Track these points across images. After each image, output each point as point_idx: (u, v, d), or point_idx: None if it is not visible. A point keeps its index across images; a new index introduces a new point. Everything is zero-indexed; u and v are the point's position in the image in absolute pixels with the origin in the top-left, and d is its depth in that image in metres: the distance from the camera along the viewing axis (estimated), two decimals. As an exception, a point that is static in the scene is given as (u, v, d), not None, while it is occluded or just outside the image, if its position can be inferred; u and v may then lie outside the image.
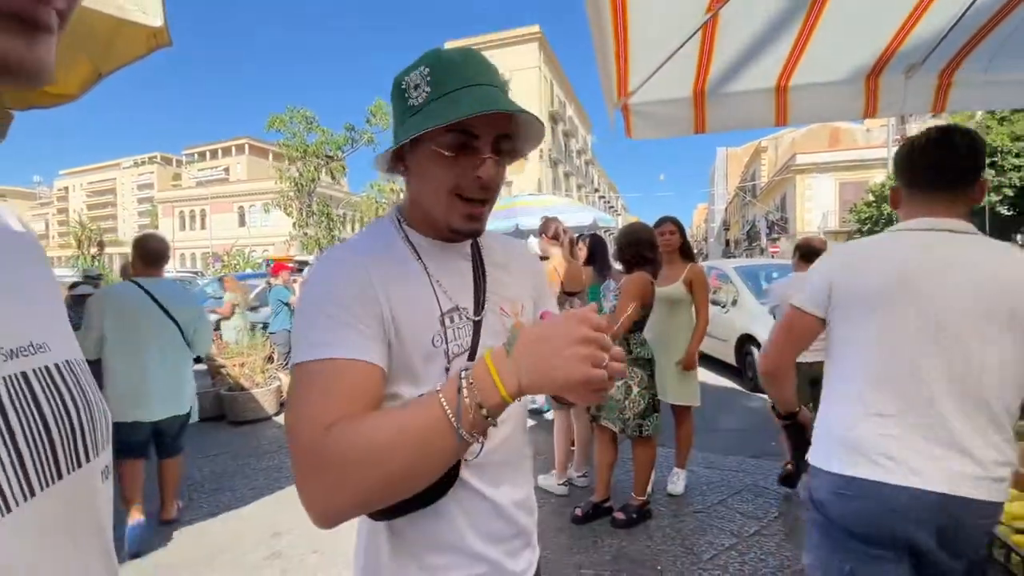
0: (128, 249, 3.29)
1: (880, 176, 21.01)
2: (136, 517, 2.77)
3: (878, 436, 1.14)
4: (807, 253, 3.24)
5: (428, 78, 0.70)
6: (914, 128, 27.54)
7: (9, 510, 0.30)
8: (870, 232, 20.27)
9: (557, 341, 0.55)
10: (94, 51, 1.71)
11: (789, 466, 3.18)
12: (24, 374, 0.33)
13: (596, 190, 49.54)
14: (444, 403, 0.57)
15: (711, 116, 2.36)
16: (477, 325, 0.78)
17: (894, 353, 1.15)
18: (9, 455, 0.31)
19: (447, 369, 0.73)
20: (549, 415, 4.50)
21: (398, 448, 0.57)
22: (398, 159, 0.77)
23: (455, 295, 0.77)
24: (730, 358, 6.82)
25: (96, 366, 2.73)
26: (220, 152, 64.65)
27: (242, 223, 43.40)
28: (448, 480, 0.70)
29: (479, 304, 0.79)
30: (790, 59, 2.11)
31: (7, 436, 0.31)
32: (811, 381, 2.85)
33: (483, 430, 0.58)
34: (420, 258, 0.77)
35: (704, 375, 6.80)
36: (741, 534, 2.76)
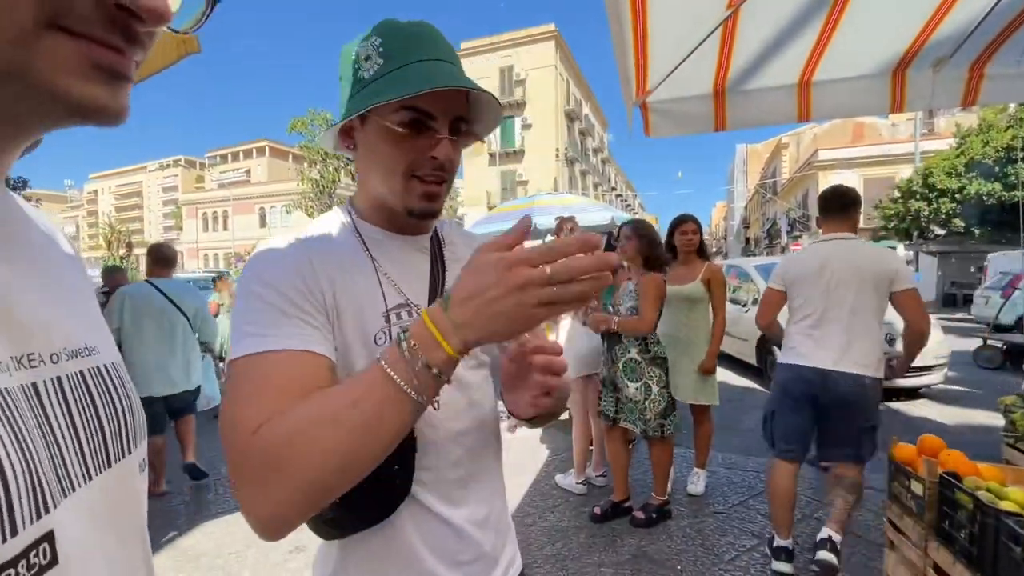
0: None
1: (907, 171, 20.39)
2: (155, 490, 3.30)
3: (802, 345, 2.35)
4: None
5: (380, 49, 0.66)
6: (942, 123, 26.76)
7: (74, 489, 0.33)
8: (896, 229, 19.69)
9: (492, 293, 0.48)
10: (128, 59, 1.77)
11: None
12: (81, 373, 0.37)
13: (613, 188, 49.19)
14: (388, 369, 0.50)
15: (731, 113, 2.33)
16: None
17: (813, 306, 2.33)
18: (74, 442, 0.34)
19: None
20: (566, 414, 4.50)
21: (343, 428, 0.50)
22: (346, 134, 0.72)
23: (407, 290, 0.72)
24: (751, 358, 6.73)
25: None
26: (241, 155, 65.86)
27: (263, 224, 44.17)
28: (397, 496, 0.67)
29: (435, 300, 0.75)
30: (813, 54, 2.08)
31: (70, 425, 0.35)
32: None
33: (437, 390, 0.53)
34: (368, 250, 0.72)
35: (724, 375, 6.72)
36: (763, 536, 2.72)
